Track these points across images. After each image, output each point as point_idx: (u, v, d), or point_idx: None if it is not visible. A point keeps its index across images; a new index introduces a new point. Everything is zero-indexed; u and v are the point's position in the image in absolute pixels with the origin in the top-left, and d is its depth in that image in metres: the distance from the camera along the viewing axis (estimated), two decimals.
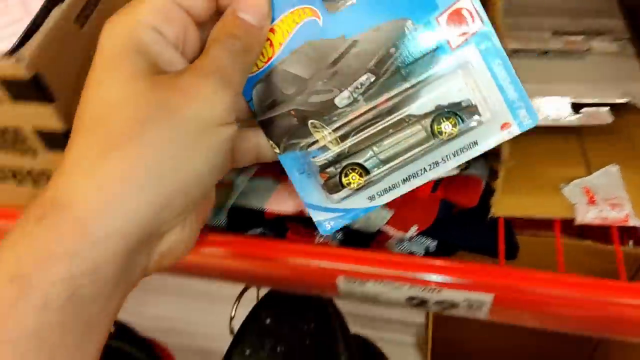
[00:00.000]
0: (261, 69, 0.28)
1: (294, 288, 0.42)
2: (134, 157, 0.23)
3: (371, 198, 0.29)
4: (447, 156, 0.28)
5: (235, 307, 0.62)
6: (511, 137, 0.28)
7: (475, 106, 0.27)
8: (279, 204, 0.35)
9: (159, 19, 0.25)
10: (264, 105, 0.28)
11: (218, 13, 0.27)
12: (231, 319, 0.68)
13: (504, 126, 0.28)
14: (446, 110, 0.27)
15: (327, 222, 0.30)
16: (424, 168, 0.28)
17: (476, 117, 0.28)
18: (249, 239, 0.37)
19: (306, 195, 0.30)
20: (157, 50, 0.25)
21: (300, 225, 0.37)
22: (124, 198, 0.23)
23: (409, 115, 0.28)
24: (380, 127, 0.28)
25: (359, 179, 0.29)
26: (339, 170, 0.29)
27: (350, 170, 0.29)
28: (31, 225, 0.23)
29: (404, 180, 0.29)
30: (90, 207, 0.23)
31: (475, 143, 0.28)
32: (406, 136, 0.28)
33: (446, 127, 0.28)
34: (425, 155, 0.28)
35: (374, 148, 0.28)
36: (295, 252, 0.35)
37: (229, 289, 0.54)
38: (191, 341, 0.91)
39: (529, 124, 0.28)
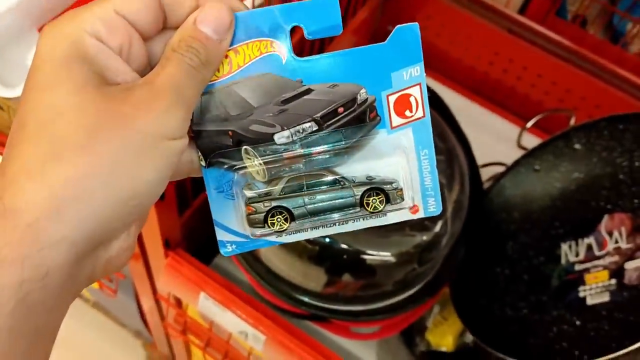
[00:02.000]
0: (212, 82, 0.28)
1: None
2: (84, 164, 0.23)
3: (279, 234, 0.30)
4: (356, 219, 0.30)
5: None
6: (415, 219, 0.30)
7: (402, 189, 0.29)
8: None
9: (102, 28, 0.24)
10: (204, 117, 0.28)
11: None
12: (523, 129, 0.76)
13: (413, 208, 0.30)
14: (377, 186, 0.29)
15: (229, 244, 0.30)
16: (335, 222, 0.30)
17: (400, 201, 0.29)
18: None
19: (217, 213, 0.30)
20: (103, 60, 0.25)
21: None
22: (74, 205, 0.23)
23: (344, 179, 0.29)
24: (315, 182, 0.30)
25: (283, 223, 0.30)
26: (267, 209, 0.29)
27: (278, 213, 0.30)
28: None
29: (312, 228, 0.30)
30: (41, 214, 0.22)
31: (385, 215, 0.30)
32: (337, 197, 0.29)
33: (374, 201, 0.29)
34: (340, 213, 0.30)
35: (306, 199, 0.30)
36: None
37: None
38: None
39: (433, 212, 0.29)
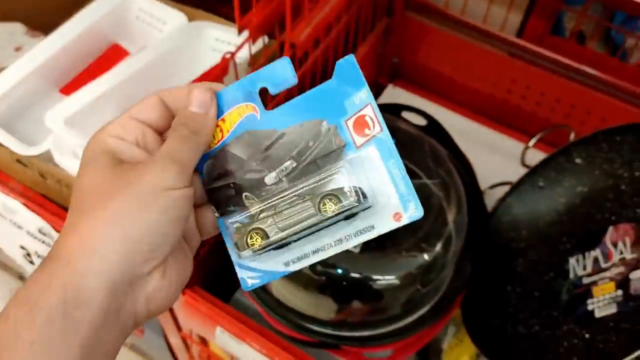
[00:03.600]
0: (212, 149, 0.35)
1: None
2: (103, 218, 0.31)
3: (286, 264, 0.35)
4: (348, 235, 0.33)
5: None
6: (401, 225, 0.32)
7: (355, 191, 0.32)
8: None
9: (120, 130, 0.34)
10: (211, 177, 0.35)
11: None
12: (525, 148, 0.79)
13: (396, 216, 0.32)
14: (329, 193, 0.33)
15: (248, 279, 0.35)
16: (330, 244, 0.34)
17: (355, 199, 0.32)
18: None
19: (235, 255, 0.35)
20: (120, 149, 0.33)
21: None
22: (100, 246, 0.31)
23: (303, 194, 0.34)
24: (281, 201, 0.34)
25: (260, 242, 0.34)
26: (246, 231, 0.34)
27: (255, 234, 0.34)
28: (35, 275, 0.31)
29: (313, 252, 0.34)
30: (76, 254, 0.31)
31: (373, 227, 0.33)
32: (300, 210, 0.34)
33: (329, 206, 0.33)
34: (330, 232, 0.34)
35: (275, 217, 0.34)
36: None
37: None
38: None
39: (416, 216, 0.32)
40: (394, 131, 0.65)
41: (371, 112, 0.32)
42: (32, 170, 0.67)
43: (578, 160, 0.71)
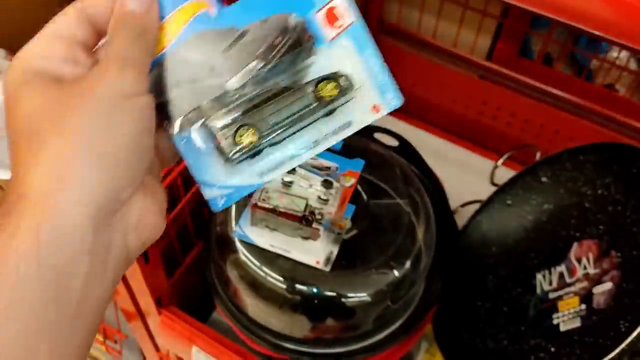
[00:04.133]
0: (157, 57, 0.30)
1: None
2: (64, 144, 0.26)
3: (260, 175, 0.32)
4: (326, 135, 0.31)
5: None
6: (380, 117, 0.31)
7: (348, 75, 0.31)
8: None
9: (43, 49, 0.29)
10: (159, 88, 0.30)
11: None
12: (495, 167, 0.80)
13: (374, 108, 0.31)
14: (325, 76, 0.31)
15: (218, 198, 0.32)
16: (307, 146, 0.31)
17: (351, 88, 0.31)
18: None
19: (200, 173, 0.32)
20: (52, 68, 0.28)
21: None
22: (71, 174, 0.25)
23: (294, 84, 0.31)
24: (270, 95, 0.31)
25: (252, 138, 0.31)
26: (232, 130, 0.31)
27: (244, 131, 0.31)
28: (0, 220, 0.25)
29: (289, 157, 0.31)
30: (45, 189, 0.25)
31: (350, 123, 0.31)
32: (293, 101, 0.31)
33: (327, 89, 0.31)
34: (307, 134, 0.31)
35: (265, 110, 0.31)
36: None
37: None
38: None
39: (395, 105, 0.31)
40: (366, 152, 0.68)
41: (342, 2, 0.30)
42: None
43: (544, 179, 0.73)
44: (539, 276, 0.69)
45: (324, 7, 0.30)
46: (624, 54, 0.83)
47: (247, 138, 0.31)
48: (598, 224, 0.67)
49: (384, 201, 0.65)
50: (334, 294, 0.62)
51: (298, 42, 0.30)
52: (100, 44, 0.30)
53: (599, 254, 0.65)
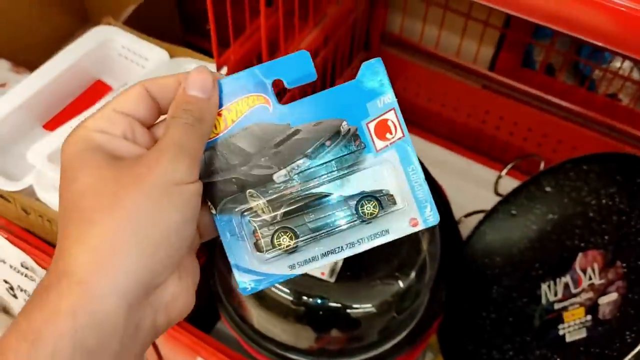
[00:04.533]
0: (211, 139, 0.32)
1: None
2: (112, 224, 0.27)
3: (292, 267, 0.33)
4: (362, 239, 0.33)
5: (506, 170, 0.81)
6: (416, 231, 0.32)
7: (393, 195, 0.32)
8: None
9: (104, 123, 0.30)
10: (208, 170, 0.32)
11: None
12: (498, 177, 0.81)
13: (412, 221, 0.32)
14: (369, 194, 0.32)
15: (248, 283, 0.33)
16: (341, 246, 0.33)
17: (393, 205, 0.32)
18: None
19: (234, 257, 0.33)
20: (112, 145, 0.29)
21: None
22: (113, 259, 0.26)
23: (338, 196, 0.33)
24: (313, 201, 0.33)
25: (289, 242, 0.33)
26: (272, 231, 0.33)
27: (282, 233, 0.33)
28: (40, 296, 0.26)
29: (322, 255, 0.33)
30: (87, 271, 0.26)
31: (387, 232, 0.32)
32: (334, 211, 0.33)
33: (368, 208, 0.32)
34: (343, 236, 0.33)
35: (305, 217, 0.33)
36: None
37: None
38: None
39: (432, 222, 0.32)
40: None
41: (394, 117, 0.32)
42: (14, 205, 0.68)
43: (548, 189, 0.73)
44: (544, 286, 0.69)
45: (376, 118, 0.32)
46: (627, 64, 0.83)
47: (285, 241, 0.33)
48: (603, 234, 0.67)
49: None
50: (339, 305, 0.62)
51: (347, 147, 0.32)
52: (160, 118, 0.32)
53: (604, 264, 0.64)
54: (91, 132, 0.29)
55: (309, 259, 0.33)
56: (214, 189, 0.32)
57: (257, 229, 0.33)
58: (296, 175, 0.32)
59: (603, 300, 0.62)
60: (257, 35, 0.68)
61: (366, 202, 0.32)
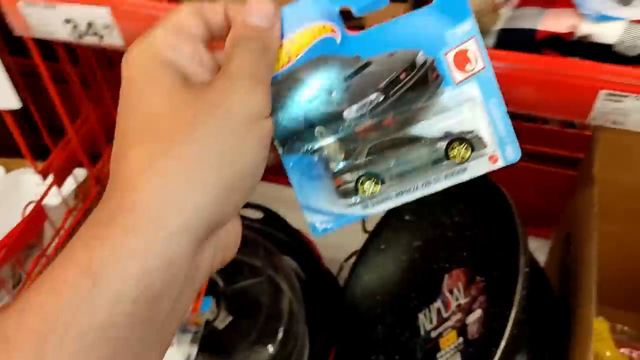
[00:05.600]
0: (275, 74, 0.29)
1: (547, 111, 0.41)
2: (190, 154, 0.24)
3: (364, 207, 0.31)
4: (438, 177, 0.31)
5: None
6: (495, 169, 0.31)
7: (482, 138, 0.30)
8: (550, 25, 0.38)
9: (174, 40, 0.27)
10: (273, 106, 0.29)
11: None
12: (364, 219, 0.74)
13: (491, 158, 0.31)
14: (460, 136, 0.30)
15: (318, 223, 0.31)
16: (417, 186, 0.31)
17: (484, 148, 0.30)
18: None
19: (304, 197, 0.31)
20: (183, 64, 0.27)
21: (556, 52, 0.38)
22: (188, 194, 0.24)
23: (423, 138, 0.30)
24: (397, 144, 0.31)
25: (373, 188, 0.31)
26: (355, 177, 0.31)
27: (367, 179, 0.31)
28: (102, 228, 0.23)
29: (397, 194, 0.31)
30: (159, 206, 0.24)
31: (465, 170, 0.31)
32: (421, 156, 0.30)
33: (459, 151, 0.30)
34: (420, 175, 0.31)
35: (392, 162, 0.31)
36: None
37: None
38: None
39: (513, 159, 0.31)
40: None
41: (474, 47, 0.29)
42: None
43: (407, 217, 0.74)
44: (420, 316, 0.68)
45: (455, 48, 0.30)
46: None
47: (370, 188, 0.31)
48: (462, 251, 0.67)
49: (243, 283, 0.64)
50: None
51: (424, 80, 0.30)
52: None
53: (467, 281, 0.64)
54: (159, 47, 0.27)
55: (383, 199, 0.31)
56: (279, 127, 0.30)
57: (339, 174, 0.31)
58: (368, 112, 0.30)
59: (469, 319, 0.62)
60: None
61: (457, 144, 0.30)
